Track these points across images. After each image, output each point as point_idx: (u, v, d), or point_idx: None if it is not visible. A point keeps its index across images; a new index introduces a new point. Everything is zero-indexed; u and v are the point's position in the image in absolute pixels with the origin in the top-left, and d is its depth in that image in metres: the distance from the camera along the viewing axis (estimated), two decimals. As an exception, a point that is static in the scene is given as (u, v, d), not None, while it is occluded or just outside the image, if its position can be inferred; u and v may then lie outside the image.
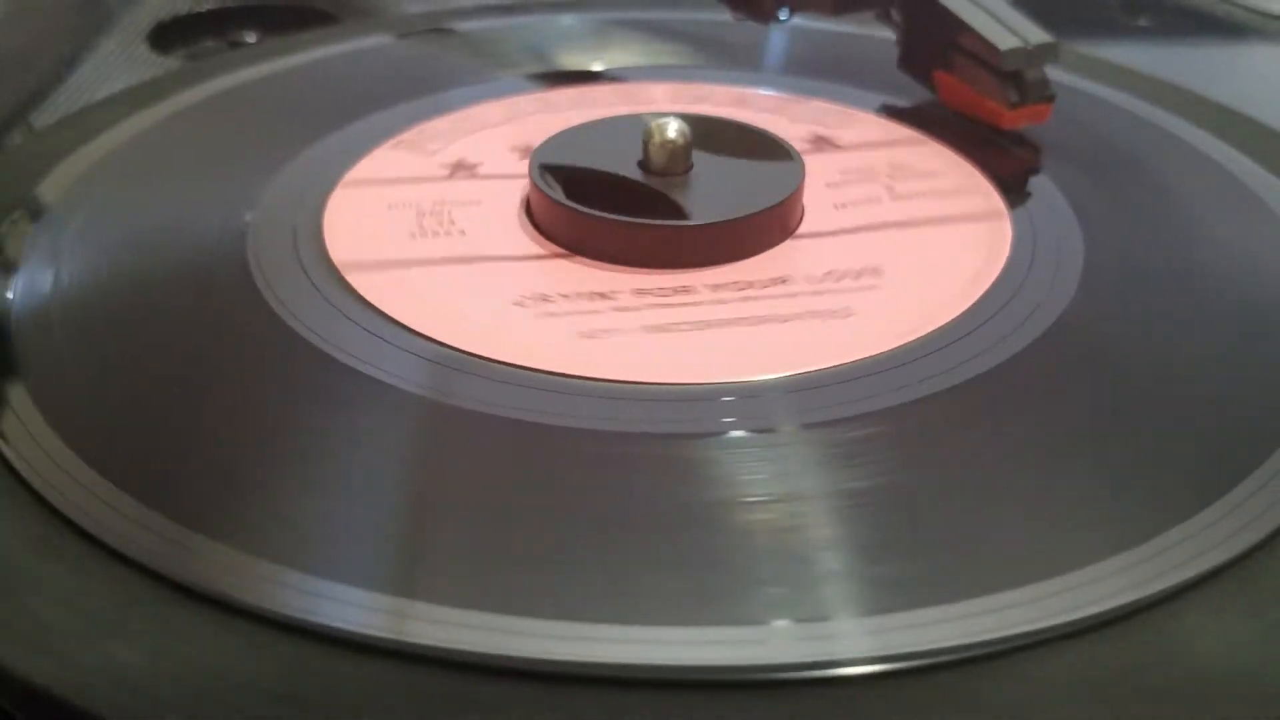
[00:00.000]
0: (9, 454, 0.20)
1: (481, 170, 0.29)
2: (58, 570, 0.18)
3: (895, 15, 0.32)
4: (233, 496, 0.19)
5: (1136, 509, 0.19)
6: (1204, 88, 0.33)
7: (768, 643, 0.17)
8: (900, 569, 0.18)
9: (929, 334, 0.23)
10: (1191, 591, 0.18)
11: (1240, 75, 0.39)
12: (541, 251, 0.26)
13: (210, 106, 0.32)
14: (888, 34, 0.33)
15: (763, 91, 0.33)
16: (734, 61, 0.35)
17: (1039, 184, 0.28)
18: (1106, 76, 0.34)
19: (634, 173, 0.27)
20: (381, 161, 0.29)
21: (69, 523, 0.19)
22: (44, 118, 0.34)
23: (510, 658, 0.17)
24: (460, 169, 0.29)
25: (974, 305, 0.24)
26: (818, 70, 0.34)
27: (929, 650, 0.17)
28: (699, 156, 0.27)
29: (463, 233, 0.26)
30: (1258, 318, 0.24)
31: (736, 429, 0.21)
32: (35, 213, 0.27)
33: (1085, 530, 0.19)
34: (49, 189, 0.28)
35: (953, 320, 0.23)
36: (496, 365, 0.22)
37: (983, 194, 0.28)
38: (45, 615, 0.17)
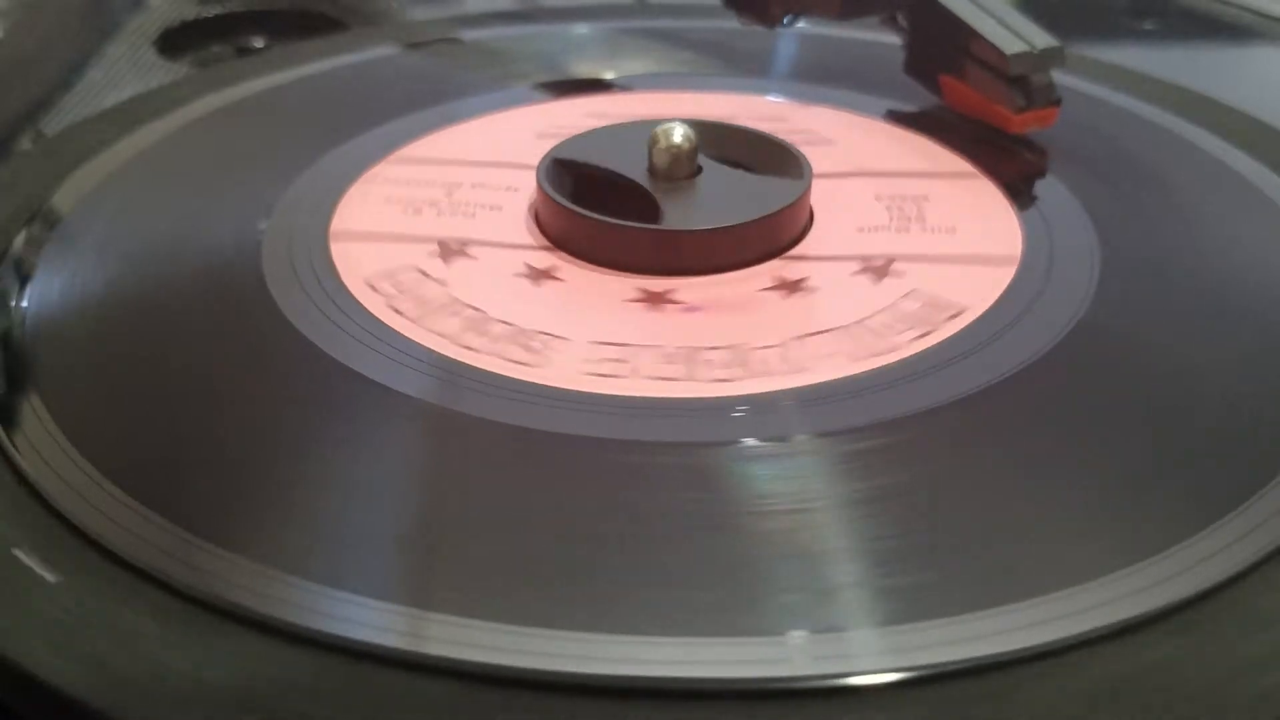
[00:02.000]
0: (20, 461, 0.20)
1: (509, 164, 0.29)
2: (68, 576, 0.18)
3: (901, 20, 0.33)
4: (245, 505, 0.19)
5: (1154, 518, 0.19)
6: (1210, 91, 0.33)
7: (784, 654, 0.17)
8: (914, 580, 0.18)
9: (938, 344, 0.23)
10: (1210, 600, 0.18)
11: (1246, 78, 0.39)
12: (532, 243, 0.26)
13: (226, 114, 0.32)
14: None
15: (834, 110, 0.32)
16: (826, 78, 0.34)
17: (1053, 191, 0.28)
18: (1113, 80, 0.34)
19: (638, 176, 0.27)
20: (400, 160, 0.30)
21: (79, 530, 0.19)
22: (51, 124, 0.34)
23: (523, 670, 0.16)
24: (489, 164, 0.29)
25: (991, 308, 0.24)
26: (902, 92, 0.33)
27: (947, 661, 0.17)
28: (713, 165, 0.27)
29: (471, 216, 0.27)
30: (1268, 325, 0.24)
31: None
32: (50, 220, 0.27)
33: (1106, 539, 0.19)
34: (63, 196, 0.28)
35: (969, 325, 0.23)
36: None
37: (1006, 241, 0.26)
38: (56, 621, 0.17)
